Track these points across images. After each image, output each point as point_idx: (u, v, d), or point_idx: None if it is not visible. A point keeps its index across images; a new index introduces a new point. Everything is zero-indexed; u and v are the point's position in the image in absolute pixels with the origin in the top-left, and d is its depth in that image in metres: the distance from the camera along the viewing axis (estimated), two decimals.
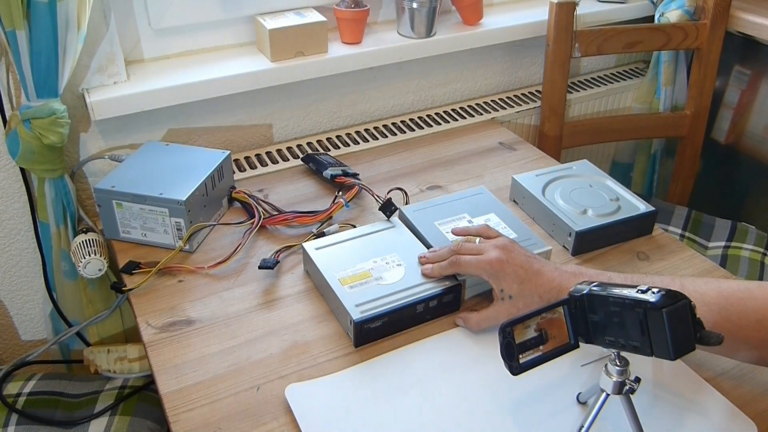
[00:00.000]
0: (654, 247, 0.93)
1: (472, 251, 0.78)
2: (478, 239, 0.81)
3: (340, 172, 1.03)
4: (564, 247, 0.92)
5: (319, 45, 1.09)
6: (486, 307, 0.77)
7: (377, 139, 1.21)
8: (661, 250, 0.93)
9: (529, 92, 1.40)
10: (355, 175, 1.03)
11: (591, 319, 0.60)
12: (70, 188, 0.96)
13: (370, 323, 0.74)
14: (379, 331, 0.76)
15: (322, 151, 1.17)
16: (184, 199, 0.85)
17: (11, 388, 0.96)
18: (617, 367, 0.60)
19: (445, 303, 0.79)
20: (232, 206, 1.01)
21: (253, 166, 1.12)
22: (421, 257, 0.82)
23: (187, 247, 0.88)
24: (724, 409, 0.68)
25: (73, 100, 0.98)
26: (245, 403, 0.69)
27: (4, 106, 0.93)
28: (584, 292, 0.60)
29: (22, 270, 1.08)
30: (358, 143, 1.19)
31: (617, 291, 0.58)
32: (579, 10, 1.23)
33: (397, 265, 0.82)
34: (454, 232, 0.87)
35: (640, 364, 0.70)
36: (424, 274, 0.80)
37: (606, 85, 1.46)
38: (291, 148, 1.18)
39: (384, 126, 1.25)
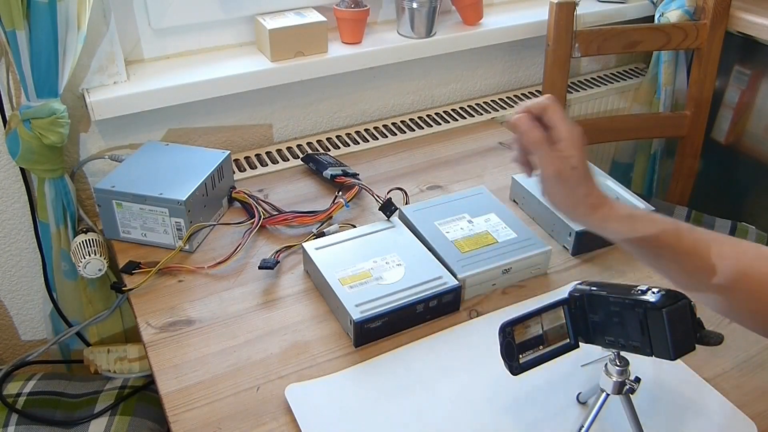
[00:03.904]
0: None
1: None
2: None
3: (340, 172, 1.03)
4: (564, 247, 0.92)
5: (319, 45, 1.09)
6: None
7: (377, 139, 1.21)
8: None
9: (529, 92, 1.40)
10: (355, 175, 1.03)
11: (591, 319, 0.60)
12: (70, 188, 0.96)
13: (370, 323, 0.74)
14: (379, 331, 0.76)
15: (322, 151, 1.17)
16: (184, 199, 0.85)
17: (11, 388, 0.95)
18: (617, 367, 0.60)
19: (445, 303, 0.79)
20: (232, 206, 1.01)
21: (253, 166, 1.12)
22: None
23: (187, 247, 0.88)
24: (724, 409, 0.68)
25: (73, 100, 0.98)
26: (245, 403, 0.69)
27: (4, 106, 0.93)
28: (584, 292, 0.60)
29: (22, 270, 1.08)
30: (358, 143, 1.19)
31: (617, 291, 0.58)
32: (579, 10, 1.23)
33: (397, 265, 0.82)
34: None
35: (640, 364, 0.70)
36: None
37: (606, 85, 1.46)
38: (291, 148, 1.18)
39: (384, 126, 1.25)
